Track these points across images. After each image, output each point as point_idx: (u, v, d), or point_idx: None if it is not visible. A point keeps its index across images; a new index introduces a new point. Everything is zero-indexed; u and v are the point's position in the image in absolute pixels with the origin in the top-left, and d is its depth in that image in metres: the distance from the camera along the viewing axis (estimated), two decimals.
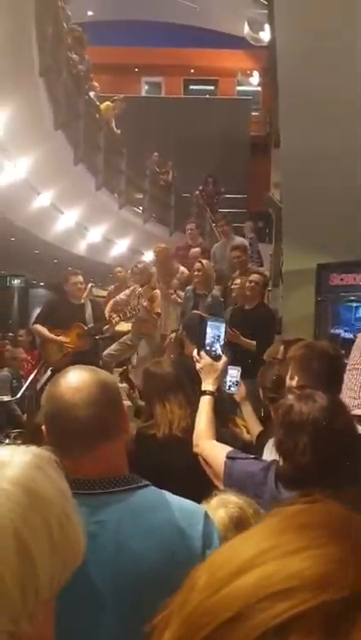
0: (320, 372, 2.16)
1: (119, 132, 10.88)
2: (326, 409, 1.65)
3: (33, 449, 0.74)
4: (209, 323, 2.18)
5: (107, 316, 5.59)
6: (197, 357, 2.13)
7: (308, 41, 3.83)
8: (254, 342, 4.65)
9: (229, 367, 2.87)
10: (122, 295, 6.29)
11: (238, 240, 7.21)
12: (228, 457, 1.83)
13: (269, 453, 2.00)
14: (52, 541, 0.68)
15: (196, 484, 1.68)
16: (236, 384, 2.93)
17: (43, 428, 1.20)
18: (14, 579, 0.64)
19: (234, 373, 2.93)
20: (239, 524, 1.34)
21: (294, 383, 2.20)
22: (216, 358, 2.12)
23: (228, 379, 2.90)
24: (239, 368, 2.96)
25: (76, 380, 1.18)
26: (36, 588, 0.66)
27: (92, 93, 9.94)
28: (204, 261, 5.75)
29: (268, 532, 0.44)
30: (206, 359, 2.11)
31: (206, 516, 1.18)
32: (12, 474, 0.69)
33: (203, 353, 2.12)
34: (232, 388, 2.92)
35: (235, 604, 0.40)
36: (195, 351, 2.17)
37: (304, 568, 0.40)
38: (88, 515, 1.08)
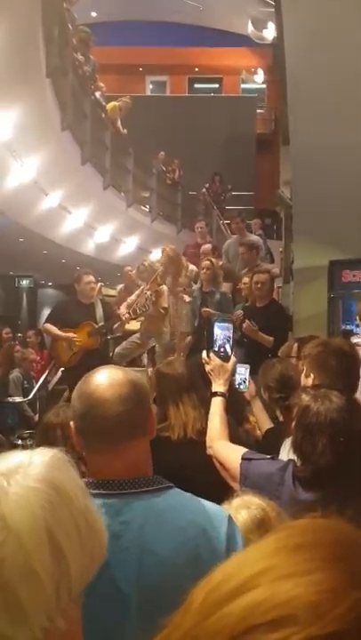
0: (337, 370, 2.14)
1: (125, 131, 10.88)
2: (344, 409, 1.64)
3: (49, 450, 0.75)
4: (216, 324, 2.16)
5: (118, 313, 5.59)
6: (207, 359, 2.11)
7: (316, 37, 3.81)
8: (271, 338, 4.63)
9: (238, 365, 2.85)
10: (133, 297, 6.31)
11: (252, 237, 7.19)
12: (244, 458, 1.82)
13: (286, 454, 1.99)
14: (80, 536, 0.69)
15: (212, 486, 1.67)
16: (245, 382, 2.91)
17: (71, 424, 1.21)
18: (49, 575, 0.65)
19: (242, 371, 2.91)
20: (262, 526, 1.33)
21: (310, 382, 2.18)
22: (225, 359, 2.11)
23: (237, 377, 2.88)
24: (247, 366, 2.94)
25: (107, 377, 1.19)
26: (69, 583, 0.67)
27: (98, 94, 9.96)
28: (213, 259, 5.74)
29: (263, 552, 0.43)
30: (216, 360, 2.09)
31: (230, 518, 1.18)
32: (37, 472, 0.69)
33: (212, 354, 2.11)
34: (241, 386, 2.90)
35: (222, 634, 0.39)
36: (203, 353, 2.16)
37: (293, 597, 0.39)
38: (112, 515, 1.09)
